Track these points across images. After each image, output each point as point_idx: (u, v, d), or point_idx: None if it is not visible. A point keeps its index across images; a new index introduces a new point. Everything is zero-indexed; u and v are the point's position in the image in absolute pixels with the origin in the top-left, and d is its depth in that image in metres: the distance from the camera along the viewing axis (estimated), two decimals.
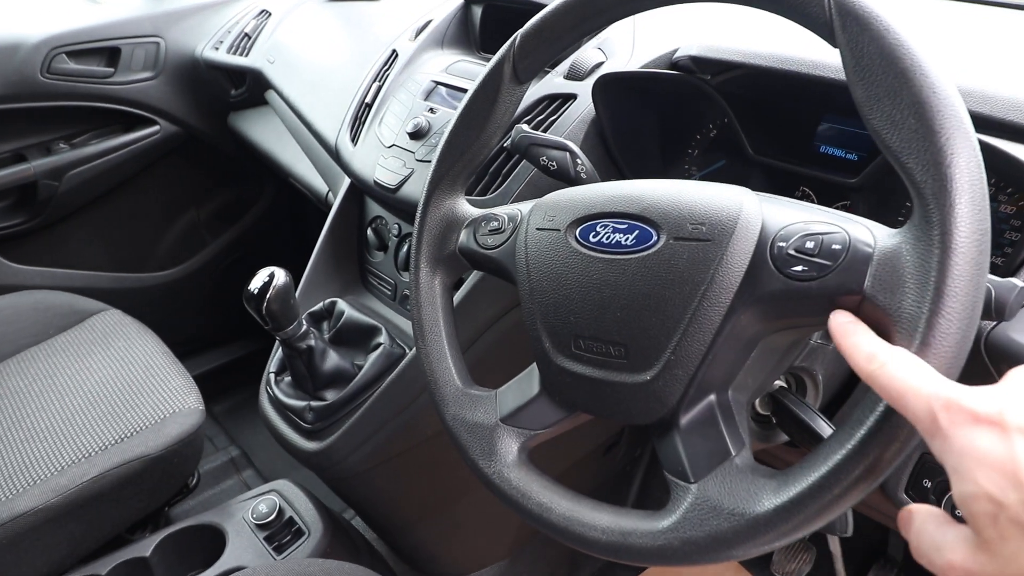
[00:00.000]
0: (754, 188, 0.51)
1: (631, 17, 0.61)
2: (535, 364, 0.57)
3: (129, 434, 1.02)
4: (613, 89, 0.79)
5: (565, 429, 0.57)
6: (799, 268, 0.44)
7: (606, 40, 0.87)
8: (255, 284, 0.83)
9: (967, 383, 0.35)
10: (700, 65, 0.78)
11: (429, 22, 1.16)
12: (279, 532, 0.97)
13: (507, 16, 1.08)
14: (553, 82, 0.87)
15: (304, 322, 0.88)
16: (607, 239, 0.52)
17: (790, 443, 0.61)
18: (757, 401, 0.60)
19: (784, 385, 0.59)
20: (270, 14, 1.57)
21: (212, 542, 0.96)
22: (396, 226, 1.05)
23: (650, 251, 0.49)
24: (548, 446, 0.59)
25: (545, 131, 0.82)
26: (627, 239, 0.51)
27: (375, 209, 1.09)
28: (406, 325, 1.00)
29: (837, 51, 0.44)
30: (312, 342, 0.90)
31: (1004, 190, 0.62)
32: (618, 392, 0.51)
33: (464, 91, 0.98)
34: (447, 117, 0.96)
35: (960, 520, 0.34)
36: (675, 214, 0.49)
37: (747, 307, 0.46)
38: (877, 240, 0.42)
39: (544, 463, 0.58)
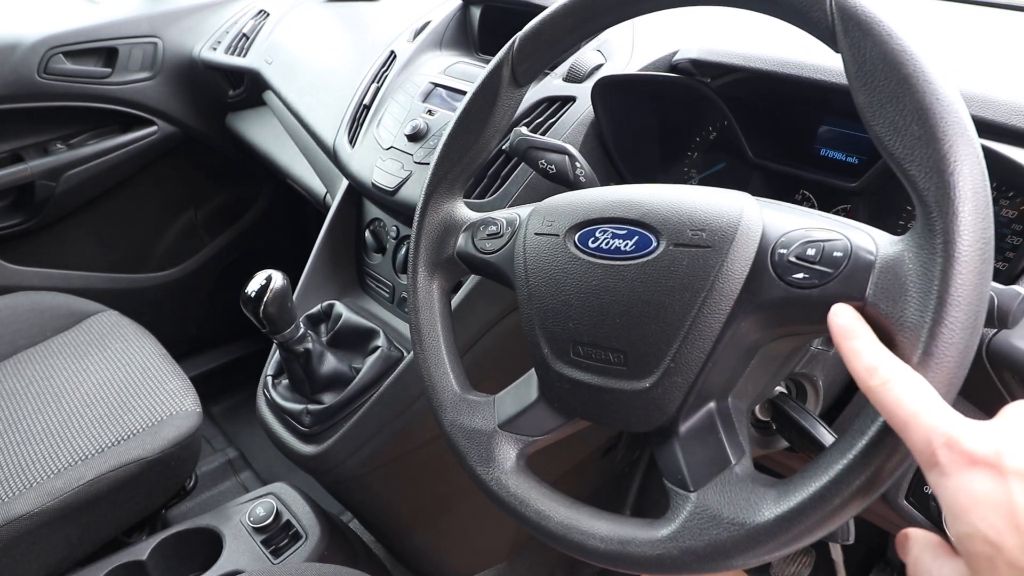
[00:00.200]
0: (754, 191, 0.50)
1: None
2: (533, 370, 0.57)
3: (126, 437, 1.02)
4: (612, 92, 0.79)
5: (563, 436, 0.57)
6: (800, 275, 0.44)
7: (605, 42, 0.87)
8: (252, 287, 0.83)
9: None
10: (700, 68, 0.78)
11: (428, 23, 1.15)
12: (276, 535, 0.96)
13: (506, 17, 1.08)
14: (552, 84, 0.86)
15: (301, 325, 0.88)
16: (606, 245, 0.51)
17: (790, 449, 0.61)
18: (758, 407, 0.60)
19: (784, 391, 0.59)
20: (268, 14, 1.56)
21: (209, 545, 0.96)
22: (394, 228, 1.05)
23: (650, 257, 0.49)
24: (547, 449, 0.58)
25: (544, 134, 0.81)
26: (627, 245, 0.50)
27: (373, 211, 1.09)
28: (404, 328, 0.99)
29: (838, 55, 0.44)
30: (309, 345, 0.90)
31: (1006, 194, 0.62)
32: (617, 399, 0.50)
33: (463, 93, 0.98)
34: (445, 119, 0.96)
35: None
36: (675, 220, 0.49)
37: (747, 314, 0.46)
38: (879, 247, 0.42)
39: (543, 466, 0.58)
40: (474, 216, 0.64)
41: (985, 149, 0.41)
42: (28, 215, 1.57)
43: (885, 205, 0.69)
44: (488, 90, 0.61)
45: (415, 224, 0.65)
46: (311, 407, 0.93)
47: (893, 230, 0.44)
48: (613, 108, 0.80)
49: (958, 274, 0.38)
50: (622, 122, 0.81)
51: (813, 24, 0.44)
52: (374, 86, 1.11)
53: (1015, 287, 0.44)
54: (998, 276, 0.61)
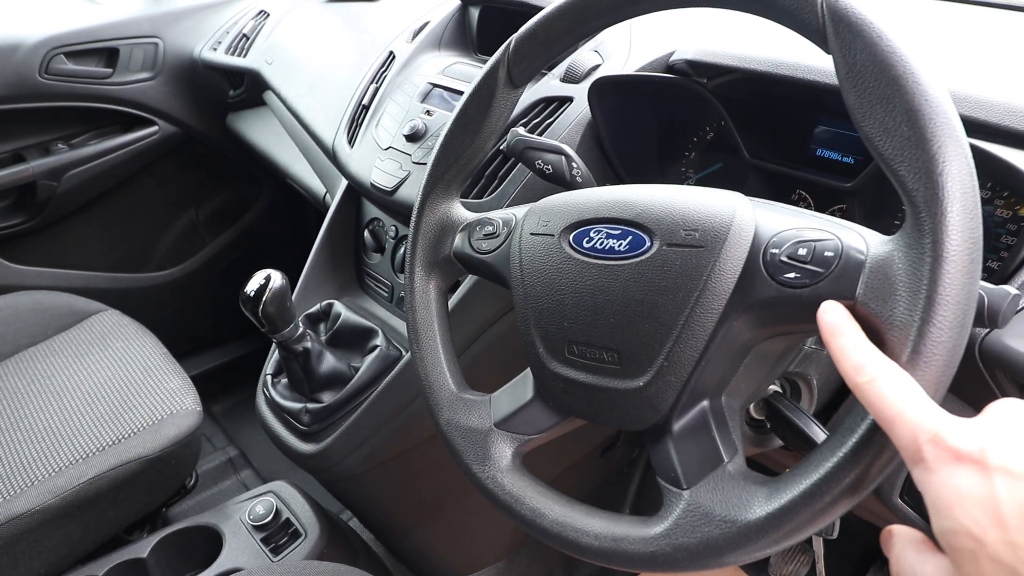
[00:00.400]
0: (750, 191, 0.51)
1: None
2: (529, 369, 0.57)
3: (127, 435, 1.02)
4: (609, 92, 0.79)
5: (559, 434, 0.57)
6: (791, 275, 0.44)
7: (603, 43, 0.87)
8: (251, 287, 0.83)
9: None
10: (696, 68, 0.78)
11: (426, 24, 1.16)
12: (276, 533, 0.97)
13: (504, 18, 1.08)
14: (549, 85, 0.87)
15: (300, 324, 0.88)
16: (600, 245, 0.52)
17: (785, 447, 0.61)
18: (752, 406, 0.60)
19: (778, 390, 0.59)
20: (268, 15, 1.57)
21: (209, 543, 0.97)
22: (393, 228, 1.05)
23: (643, 257, 0.49)
24: (546, 447, 0.59)
25: (541, 134, 0.82)
26: (620, 245, 0.51)
27: (372, 211, 1.09)
28: (403, 327, 1.00)
29: (830, 56, 0.44)
30: (308, 344, 0.90)
31: (1000, 195, 0.62)
32: (611, 398, 0.51)
33: (461, 93, 0.98)
34: (444, 119, 0.96)
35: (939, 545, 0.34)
36: (668, 220, 0.49)
37: (740, 314, 0.46)
38: (870, 247, 0.42)
39: (542, 464, 0.58)
40: (471, 216, 0.64)
41: (979, 150, 0.41)
42: (30, 215, 1.57)
43: (881, 205, 0.69)
44: (484, 91, 0.61)
45: (412, 224, 0.65)
46: (310, 406, 0.94)
47: (888, 230, 0.44)
48: (610, 108, 0.80)
49: (946, 273, 0.38)
50: (619, 122, 0.82)
51: (805, 25, 0.45)
52: (373, 86, 1.12)
53: (1005, 287, 0.44)
54: (992, 275, 0.61)
